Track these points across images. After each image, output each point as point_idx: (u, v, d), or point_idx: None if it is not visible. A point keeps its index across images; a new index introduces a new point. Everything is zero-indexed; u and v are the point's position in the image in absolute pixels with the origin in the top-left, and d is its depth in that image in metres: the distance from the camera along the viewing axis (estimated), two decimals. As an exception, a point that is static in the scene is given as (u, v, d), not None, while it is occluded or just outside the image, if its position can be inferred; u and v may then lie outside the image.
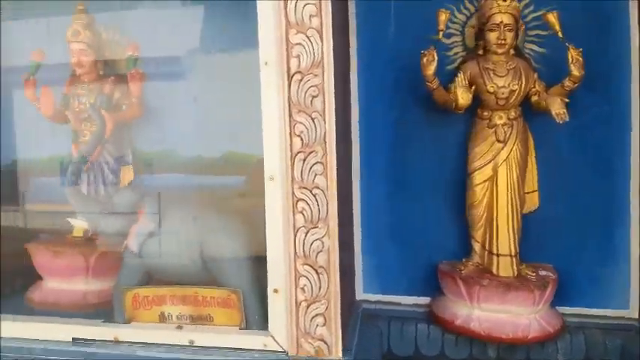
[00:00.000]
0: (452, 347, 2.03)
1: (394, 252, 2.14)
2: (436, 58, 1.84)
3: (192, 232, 1.79)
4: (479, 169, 1.94)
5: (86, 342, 1.77)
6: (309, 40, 1.53)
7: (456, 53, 2.04)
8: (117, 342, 1.75)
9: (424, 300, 2.13)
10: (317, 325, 1.62)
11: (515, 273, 1.92)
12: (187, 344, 1.72)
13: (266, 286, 1.69)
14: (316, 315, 1.62)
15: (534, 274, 1.92)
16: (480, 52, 1.95)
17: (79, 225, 2.11)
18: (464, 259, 2.02)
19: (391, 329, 2.08)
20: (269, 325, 1.67)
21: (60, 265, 2.07)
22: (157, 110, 2.22)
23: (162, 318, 1.79)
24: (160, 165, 2.26)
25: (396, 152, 2.11)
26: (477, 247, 1.99)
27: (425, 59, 1.84)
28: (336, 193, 1.59)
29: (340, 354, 1.63)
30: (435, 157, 2.09)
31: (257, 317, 1.72)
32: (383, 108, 2.09)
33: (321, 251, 1.61)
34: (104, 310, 1.95)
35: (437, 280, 2.09)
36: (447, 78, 1.95)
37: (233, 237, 1.80)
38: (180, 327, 1.76)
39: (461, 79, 1.86)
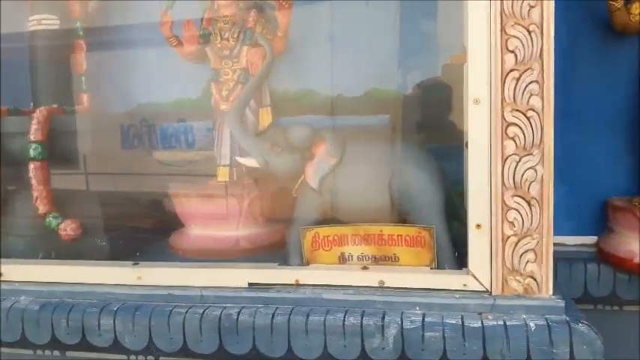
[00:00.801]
0: (624, 287, 1.92)
1: (559, 189, 2.00)
2: None
3: (379, 166, 1.66)
4: (665, 95, 1.81)
5: (264, 287, 1.66)
6: (530, -57, 1.37)
7: (636, -28, 1.87)
8: (298, 285, 1.64)
9: (591, 239, 2.02)
10: (527, 262, 1.50)
11: None
12: (377, 285, 1.60)
13: (460, 222, 1.58)
14: (527, 251, 1.49)
15: None
16: (668, -33, 1.78)
17: (224, 168, 2.00)
18: (643, 193, 1.91)
19: (558, 271, 1.96)
20: (469, 263, 1.55)
21: (209, 212, 1.96)
22: (295, 46, 2.07)
23: (342, 259, 1.67)
24: (298, 106, 2.13)
25: (564, 81, 1.94)
26: (658, 179, 1.88)
27: None
28: (552, 115, 1.45)
29: (551, 292, 1.52)
30: (607, 86, 1.94)
31: (456, 255, 1.61)
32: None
33: (534, 181, 1.48)
34: (260, 255, 1.87)
35: (605, 217, 1.98)
36: (624, -1, 1.80)
37: (426, 170, 1.65)
38: (365, 267, 1.65)
39: None
